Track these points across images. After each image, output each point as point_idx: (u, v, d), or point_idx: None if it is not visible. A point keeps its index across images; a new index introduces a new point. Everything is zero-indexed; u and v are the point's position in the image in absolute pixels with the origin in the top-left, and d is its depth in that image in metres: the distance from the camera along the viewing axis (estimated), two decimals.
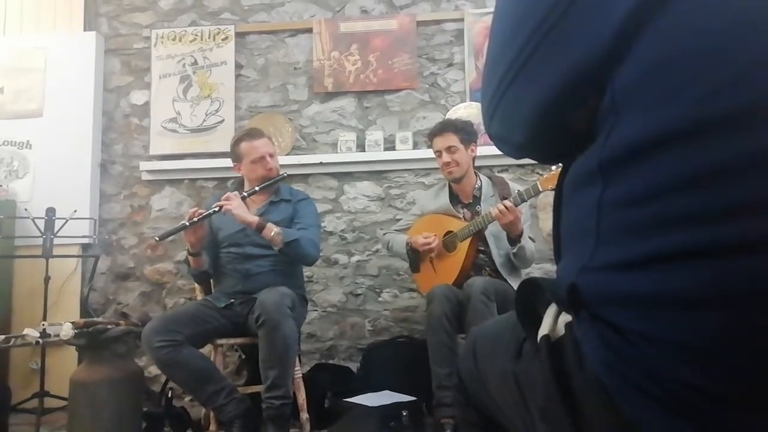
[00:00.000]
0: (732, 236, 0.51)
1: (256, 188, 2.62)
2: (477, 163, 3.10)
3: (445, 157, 2.71)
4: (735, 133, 0.52)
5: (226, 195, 2.57)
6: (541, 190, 2.37)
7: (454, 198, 2.82)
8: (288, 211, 2.73)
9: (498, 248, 2.66)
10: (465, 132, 2.69)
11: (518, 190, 2.50)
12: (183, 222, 2.48)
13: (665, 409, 0.54)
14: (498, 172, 3.29)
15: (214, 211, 2.51)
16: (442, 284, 2.56)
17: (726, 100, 0.53)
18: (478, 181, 2.82)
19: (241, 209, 2.51)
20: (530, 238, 2.65)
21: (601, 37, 0.60)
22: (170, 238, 3.46)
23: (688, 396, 0.53)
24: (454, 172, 2.72)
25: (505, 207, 2.41)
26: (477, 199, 2.78)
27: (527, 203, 2.55)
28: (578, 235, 0.66)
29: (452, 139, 2.69)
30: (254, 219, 2.52)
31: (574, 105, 0.67)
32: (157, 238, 2.54)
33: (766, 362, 0.51)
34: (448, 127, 2.73)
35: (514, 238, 2.53)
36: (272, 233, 2.51)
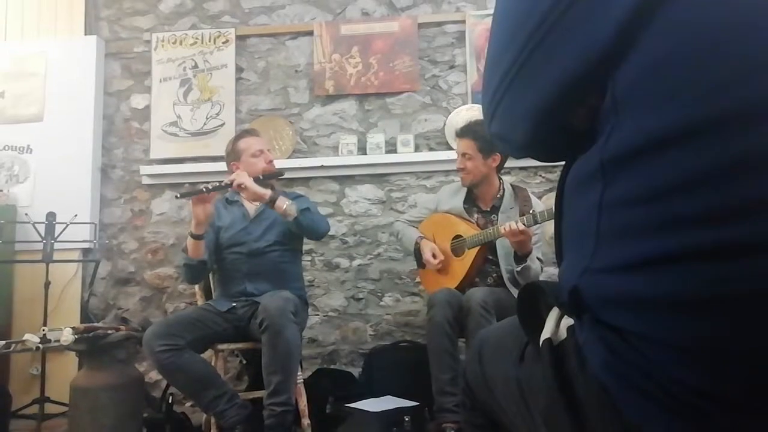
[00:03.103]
0: (732, 237, 0.52)
1: (261, 177, 2.61)
2: None
3: (459, 162, 2.67)
4: (735, 133, 0.52)
5: (235, 173, 2.55)
6: None
7: (471, 200, 2.76)
8: None
9: (506, 264, 2.61)
10: (486, 141, 2.53)
11: (533, 212, 2.44)
12: (203, 186, 2.48)
13: (666, 410, 0.54)
14: (501, 173, 3.27)
15: (228, 183, 2.51)
16: (443, 288, 2.54)
17: (726, 100, 0.53)
18: (501, 190, 2.74)
19: (253, 183, 2.51)
20: (539, 258, 2.58)
21: (601, 36, 0.60)
22: (171, 242, 3.52)
23: (688, 398, 0.53)
24: (464, 178, 2.68)
25: (517, 228, 2.35)
26: (496, 209, 2.71)
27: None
28: (579, 237, 0.66)
29: (469, 146, 2.61)
30: (266, 191, 2.52)
31: (574, 104, 0.67)
32: (178, 195, 2.52)
33: (765, 363, 0.51)
34: (467, 132, 2.62)
35: (521, 257, 2.49)
36: (285, 205, 2.51)
